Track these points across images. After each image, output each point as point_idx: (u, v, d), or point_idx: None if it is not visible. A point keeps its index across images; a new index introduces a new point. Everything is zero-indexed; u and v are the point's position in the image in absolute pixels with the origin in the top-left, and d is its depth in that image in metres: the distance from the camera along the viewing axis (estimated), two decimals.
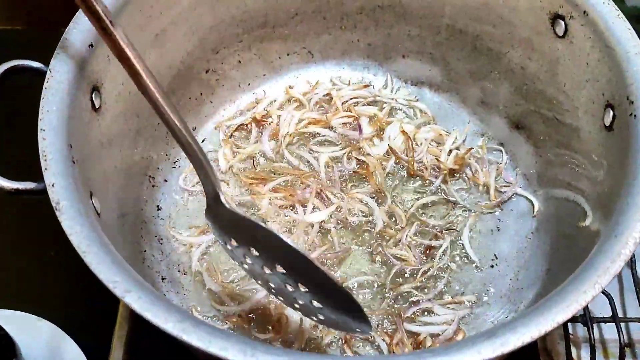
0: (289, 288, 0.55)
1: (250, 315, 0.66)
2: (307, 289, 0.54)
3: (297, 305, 0.57)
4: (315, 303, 0.55)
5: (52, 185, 0.47)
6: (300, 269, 0.53)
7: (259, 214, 0.73)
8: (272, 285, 0.57)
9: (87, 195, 0.51)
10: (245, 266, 0.58)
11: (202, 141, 0.80)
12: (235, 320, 0.66)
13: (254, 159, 0.78)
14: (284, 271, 0.54)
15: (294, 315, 0.65)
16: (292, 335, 0.64)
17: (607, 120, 0.57)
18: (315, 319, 0.56)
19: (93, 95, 0.57)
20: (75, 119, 0.53)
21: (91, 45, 0.57)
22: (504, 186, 0.75)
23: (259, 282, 0.59)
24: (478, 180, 0.76)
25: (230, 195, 0.74)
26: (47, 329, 0.69)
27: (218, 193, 0.56)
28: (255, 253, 0.56)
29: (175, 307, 0.43)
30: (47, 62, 0.55)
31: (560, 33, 0.63)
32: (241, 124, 0.80)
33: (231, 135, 0.80)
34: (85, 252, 0.44)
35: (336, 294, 0.53)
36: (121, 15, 0.60)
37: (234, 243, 0.57)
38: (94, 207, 0.52)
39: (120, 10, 0.60)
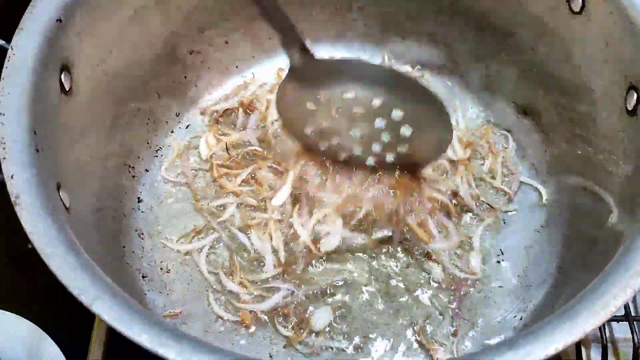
0: (378, 125, 0.60)
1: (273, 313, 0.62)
2: (403, 111, 0.59)
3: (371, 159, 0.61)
4: (404, 130, 0.60)
5: (12, 176, 0.42)
6: (395, 87, 0.59)
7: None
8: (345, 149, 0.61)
9: (54, 188, 0.46)
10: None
11: (187, 127, 0.74)
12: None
13: (233, 147, 0.72)
14: (383, 99, 0.59)
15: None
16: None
17: (630, 104, 0.52)
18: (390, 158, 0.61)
19: (62, 76, 0.52)
20: (41, 102, 0.48)
21: (59, 20, 0.51)
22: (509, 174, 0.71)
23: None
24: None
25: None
26: (25, 328, 0.66)
27: (306, 47, 0.57)
28: (350, 95, 0.59)
29: (152, 317, 0.38)
30: (9, 40, 0.50)
31: (577, 9, 0.58)
32: (228, 109, 0.75)
33: (217, 121, 0.74)
34: (48, 255, 0.39)
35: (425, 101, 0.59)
36: None
37: (324, 95, 0.59)
38: (62, 201, 0.46)
39: None
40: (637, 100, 0.51)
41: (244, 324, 0.61)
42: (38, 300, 0.70)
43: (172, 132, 0.74)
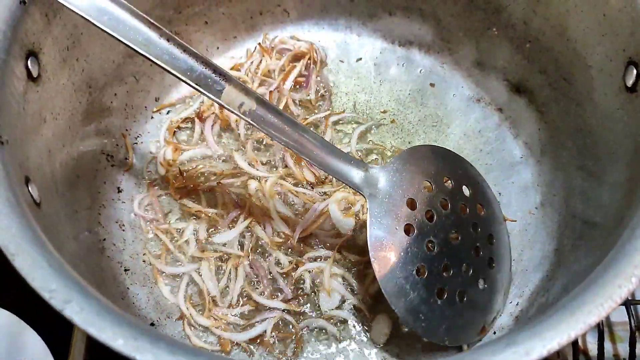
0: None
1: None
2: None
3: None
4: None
5: None
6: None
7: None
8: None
9: (21, 182, 0.43)
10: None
11: (167, 113, 0.71)
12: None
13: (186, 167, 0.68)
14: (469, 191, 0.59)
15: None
16: None
17: (630, 80, 0.50)
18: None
19: (29, 62, 0.49)
20: (5, 91, 0.44)
21: (23, 2, 0.47)
22: None
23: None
24: None
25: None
26: (6, 319, 0.64)
27: (367, 168, 0.55)
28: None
29: (129, 319, 0.35)
30: None
31: None
32: (186, 118, 0.71)
33: (175, 132, 0.70)
34: (14, 254, 0.36)
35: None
36: None
37: (406, 211, 0.54)
38: (31, 195, 0.43)
39: None
40: (636, 76, 0.49)
41: (223, 351, 0.58)
42: (18, 290, 0.67)
43: (152, 117, 0.71)
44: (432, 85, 0.74)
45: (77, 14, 0.47)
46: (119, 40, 0.48)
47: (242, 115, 0.52)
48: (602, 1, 0.52)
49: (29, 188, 0.44)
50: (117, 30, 0.48)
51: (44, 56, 0.51)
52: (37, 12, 0.49)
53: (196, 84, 0.50)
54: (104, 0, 0.49)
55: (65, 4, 0.47)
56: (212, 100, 0.51)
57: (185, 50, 0.50)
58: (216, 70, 0.51)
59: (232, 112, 0.51)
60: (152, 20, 0.50)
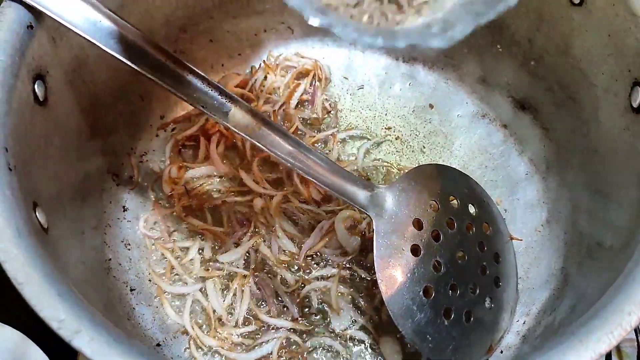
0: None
1: None
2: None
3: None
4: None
5: None
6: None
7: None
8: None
9: (29, 208, 0.43)
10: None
11: (172, 130, 0.71)
12: None
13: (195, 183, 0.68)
14: (475, 210, 0.59)
15: None
16: None
17: (635, 101, 0.50)
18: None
19: (36, 86, 0.49)
20: (12, 116, 0.44)
21: (30, 27, 0.48)
22: None
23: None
24: None
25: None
26: (10, 336, 0.63)
27: (373, 188, 0.55)
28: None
29: (138, 348, 0.35)
30: None
31: (577, 1, 0.55)
32: (191, 135, 0.70)
33: (180, 149, 0.70)
34: (23, 283, 0.36)
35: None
36: None
37: (412, 231, 0.54)
38: (39, 221, 0.44)
39: None
40: None
41: None
42: (22, 307, 0.67)
43: (157, 135, 0.71)
44: (431, 106, 0.74)
45: (84, 38, 0.48)
46: (127, 64, 0.48)
47: (248, 137, 0.52)
48: (607, 21, 0.52)
49: (37, 213, 0.44)
50: (124, 54, 0.48)
51: (50, 79, 0.51)
52: (44, 36, 0.49)
53: (202, 106, 0.51)
54: (111, 24, 0.49)
55: (71, 27, 0.48)
56: (218, 122, 0.51)
57: (191, 72, 0.51)
58: (222, 92, 0.51)
59: (239, 133, 0.52)
60: (159, 44, 0.50)
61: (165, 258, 0.64)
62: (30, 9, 0.48)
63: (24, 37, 0.47)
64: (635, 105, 0.50)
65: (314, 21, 0.32)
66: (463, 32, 0.32)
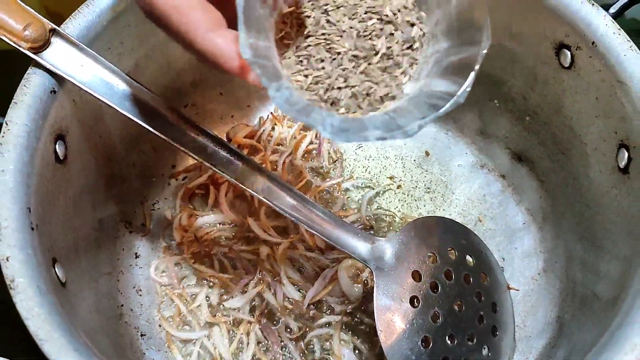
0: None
1: None
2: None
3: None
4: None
5: (7, 259, 0.42)
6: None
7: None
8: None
9: (49, 265, 0.46)
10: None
11: (183, 179, 0.74)
12: None
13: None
14: (472, 261, 0.61)
15: None
16: None
17: (622, 162, 0.52)
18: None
19: (57, 146, 0.52)
20: (35, 176, 0.48)
21: (53, 92, 0.51)
22: None
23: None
24: None
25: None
26: None
27: (373, 241, 0.58)
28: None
29: None
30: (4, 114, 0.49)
31: (566, 64, 0.58)
32: (201, 184, 0.73)
33: (190, 198, 0.73)
34: (44, 340, 0.39)
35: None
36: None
37: (411, 283, 0.57)
38: (57, 276, 0.46)
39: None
40: (628, 159, 0.51)
41: None
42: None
43: (168, 184, 0.74)
44: (427, 153, 0.77)
45: (102, 101, 0.51)
46: (142, 125, 0.52)
47: (254, 192, 0.55)
48: (594, 86, 0.55)
49: (56, 269, 0.47)
50: (138, 115, 0.52)
51: (70, 138, 0.54)
52: (65, 99, 0.53)
53: (212, 164, 0.54)
54: (126, 87, 0.53)
55: (90, 91, 0.51)
56: (227, 179, 0.54)
57: (201, 132, 0.54)
58: (230, 150, 0.55)
59: (246, 189, 0.55)
60: (172, 106, 0.53)
61: (175, 303, 0.66)
62: (54, 75, 0.51)
63: (47, 101, 0.51)
64: (621, 166, 0.52)
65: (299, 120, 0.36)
66: (420, 125, 0.35)
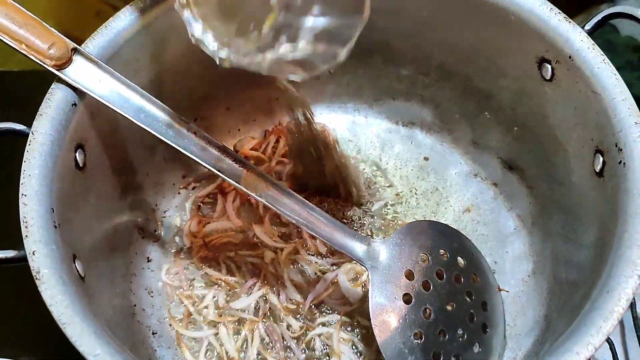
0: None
1: None
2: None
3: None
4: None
5: (33, 253, 0.47)
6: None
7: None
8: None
9: (70, 260, 0.50)
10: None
11: (193, 189, 0.79)
12: None
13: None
14: (463, 262, 0.64)
15: None
16: None
17: (597, 166, 0.56)
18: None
19: (77, 154, 0.57)
20: (58, 181, 0.52)
21: (74, 104, 0.56)
22: None
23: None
24: None
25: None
26: None
27: (369, 242, 0.61)
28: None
29: None
30: (30, 125, 0.54)
31: (548, 77, 0.62)
32: (210, 193, 0.78)
33: (200, 206, 0.78)
34: (66, 324, 0.43)
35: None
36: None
37: (404, 281, 0.60)
38: (77, 271, 0.51)
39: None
40: (602, 164, 0.55)
41: None
42: (48, 345, 0.70)
43: (178, 193, 0.79)
44: (426, 158, 0.81)
45: (118, 113, 0.56)
46: (156, 136, 0.57)
47: (258, 198, 0.59)
48: (572, 96, 0.59)
49: (76, 264, 0.51)
50: (153, 127, 0.57)
51: (88, 147, 0.59)
52: (84, 111, 0.57)
53: (219, 171, 0.58)
54: (141, 100, 0.57)
55: (108, 104, 0.56)
56: (234, 185, 0.59)
57: (209, 142, 0.59)
58: (236, 159, 0.59)
59: (250, 194, 0.59)
60: (182, 118, 0.58)
61: (184, 304, 0.71)
62: (75, 89, 0.56)
63: (69, 113, 0.55)
64: (597, 170, 0.56)
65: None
66: None
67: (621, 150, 0.52)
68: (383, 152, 0.83)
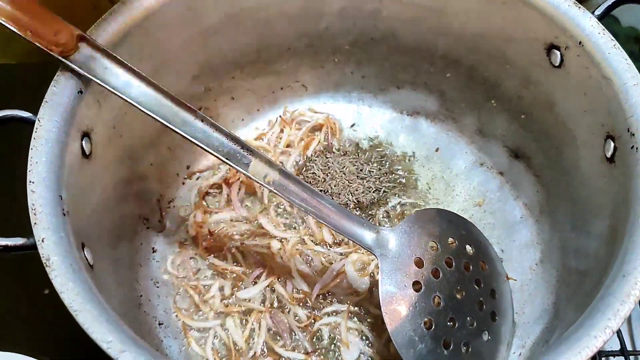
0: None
1: None
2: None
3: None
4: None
5: (42, 240, 0.46)
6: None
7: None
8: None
9: (79, 247, 0.50)
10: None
11: (197, 179, 0.78)
12: None
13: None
14: (472, 250, 0.64)
15: None
16: None
17: (608, 152, 0.56)
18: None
19: (83, 142, 0.56)
20: (65, 169, 0.52)
21: (80, 92, 0.55)
22: None
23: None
24: None
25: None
26: None
27: (378, 230, 0.61)
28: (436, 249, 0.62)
29: None
30: (36, 112, 0.54)
31: (556, 63, 0.62)
32: (215, 183, 0.78)
33: (204, 196, 0.77)
34: (78, 311, 0.43)
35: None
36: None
37: (414, 269, 0.60)
38: (86, 259, 0.50)
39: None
40: (614, 149, 0.55)
41: None
42: (58, 343, 0.71)
43: (183, 183, 0.78)
44: (436, 150, 0.81)
45: (125, 100, 0.55)
46: (162, 123, 0.56)
47: (266, 185, 0.59)
48: (583, 83, 0.59)
49: (85, 252, 0.51)
50: (160, 114, 0.56)
51: (95, 135, 0.58)
52: (91, 99, 0.57)
53: (226, 158, 0.58)
54: (148, 88, 0.57)
55: (114, 91, 0.55)
56: (240, 172, 0.58)
57: (216, 129, 0.58)
58: (243, 146, 0.59)
59: (258, 182, 0.58)
60: (188, 104, 0.57)
61: (190, 294, 0.70)
62: (80, 77, 0.55)
63: (75, 101, 0.55)
64: (608, 155, 0.56)
65: None
66: None
67: (633, 135, 0.52)
68: (388, 142, 0.82)
